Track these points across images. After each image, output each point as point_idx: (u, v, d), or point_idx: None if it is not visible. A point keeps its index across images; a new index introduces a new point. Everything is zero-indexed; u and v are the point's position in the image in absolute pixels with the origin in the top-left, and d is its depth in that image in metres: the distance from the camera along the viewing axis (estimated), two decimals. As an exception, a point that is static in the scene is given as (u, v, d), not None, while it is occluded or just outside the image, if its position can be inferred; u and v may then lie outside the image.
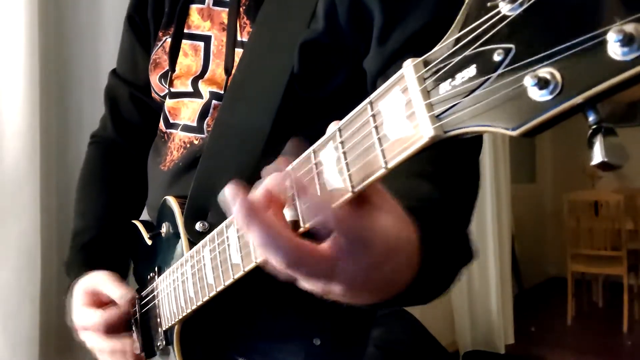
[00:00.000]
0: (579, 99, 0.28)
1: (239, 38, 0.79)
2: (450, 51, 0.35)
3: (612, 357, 3.75)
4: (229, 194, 0.42)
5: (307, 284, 0.45)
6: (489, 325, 3.58)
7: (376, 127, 0.39)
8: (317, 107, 0.74)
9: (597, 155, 0.29)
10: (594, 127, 0.29)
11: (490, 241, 3.54)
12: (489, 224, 3.52)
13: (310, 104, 0.74)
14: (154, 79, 0.91)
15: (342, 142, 0.42)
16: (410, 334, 0.79)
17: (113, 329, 0.84)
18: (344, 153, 0.42)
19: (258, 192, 0.45)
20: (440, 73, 0.35)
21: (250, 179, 0.72)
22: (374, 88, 0.70)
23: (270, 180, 0.46)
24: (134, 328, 0.90)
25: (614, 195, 4.20)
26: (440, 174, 0.60)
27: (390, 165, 0.38)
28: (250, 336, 0.78)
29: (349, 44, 0.71)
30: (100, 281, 0.87)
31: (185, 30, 0.86)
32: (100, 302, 0.87)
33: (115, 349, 0.85)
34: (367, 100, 0.41)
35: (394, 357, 0.75)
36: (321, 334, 0.74)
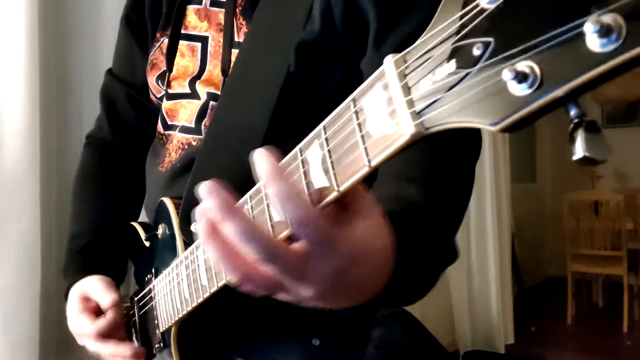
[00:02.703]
0: (558, 93, 0.27)
1: (235, 39, 0.79)
2: (430, 46, 0.34)
3: (612, 357, 3.75)
4: (204, 190, 0.41)
5: (281, 289, 0.44)
6: (489, 325, 3.58)
7: (359, 125, 0.39)
8: (314, 108, 0.73)
9: (579, 150, 0.28)
10: (575, 121, 0.28)
11: (490, 241, 3.54)
12: (489, 224, 3.52)
13: (307, 105, 0.74)
14: (151, 80, 0.91)
15: (327, 140, 0.42)
16: (410, 334, 0.79)
17: (109, 334, 0.84)
18: (329, 151, 0.41)
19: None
20: (420, 69, 0.35)
21: (245, 179, 0.72)
22: None
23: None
24: (132, 330, 0.90)
25: (614, 195, 4.20)
26: (430, 178, 0.60)
27: (374, 163, 0.38)
28: (248, 337, 0.78)
29: (345, 45, 0.71)
30: (91, 287, 0.87)
31: (183, 31, 0.86)
32: (93, 308, 0.86)
33: (114, 354, 0.85)
34: (350, 97, 0.40)
35: (394, 357, 0.75)
36: (320, 335, 0.74)
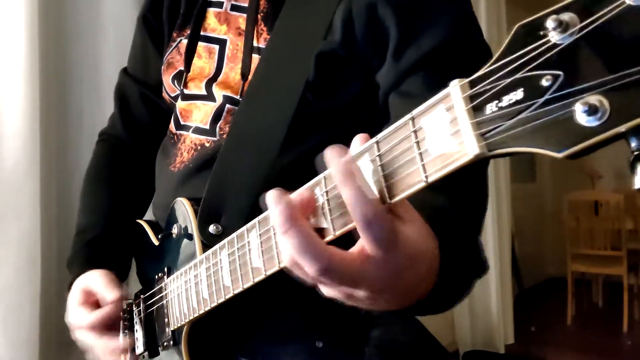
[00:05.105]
0: (623, 128, 0.30)
1: (255, 44, 0.80)
2: (498, 74, 0.36)
3: (612, 357, 3.75)
4: (272, 198, 0.44)
5: (332, 291, 0.47)
6: (489, 325, 3.58)
7: (417, 142, 0.41)
8: (331, 116, 0.76)
9: (639, 180, 0.30)
10: (636, 153, 0.30)
11: (490, 241, 3.53)
12: (489, 224, 3.52)
13: (324, 112, 0.75)
14: (167, 79, 0.92)
15: (379, 156, 0.44)
16: (410, 334, 0.79)
17: (105, 329, 0.85)
18: (382, 166, 0.43)
19: (295, 199, 0.47)
20: (486, 94, 0.37)
21: (264, 183, 0.73)
22: (386, 102, 0.73)
23: (303, 188, 0.49)
24: (137, 327, 0.90)
25: (614, 195, 4.21)
26: (453, 187, 0.61)
27: (431, 179, 0.40)
28: (254, 338, 0.78)
29: (363, 57, 0.72)
30: (94, 281, 0.87)
31: (201, 33, 0.87)
32: (94, 302, 0.87)
33: (108, 347, 0.85)
34: (409, 116, 0.42)
35: (394, 357, 0.75)
36: (323, 337, 0.75)
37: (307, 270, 0.44)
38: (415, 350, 0.78)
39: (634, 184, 0.30)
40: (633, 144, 0.30)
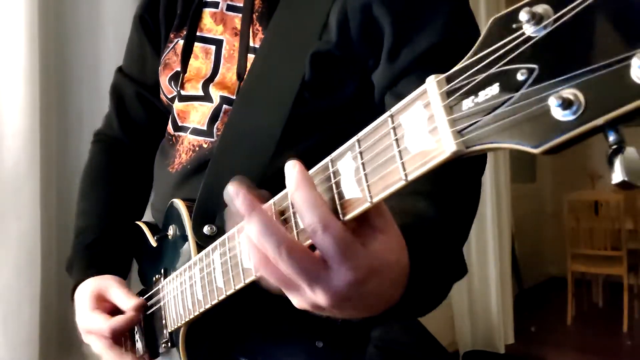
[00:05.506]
0: (600, 121, 0.29)
1: (251, 44, 0.80)
2: (474, 69, 0.35)
3: (612, 357, 3.75)
4: (233, 189, 0.45)
5: (296, 294, 0.47)
6: (489, 325, 3.58)
7: (397, 140, 0.40)
8: (327, 115, 0.75)
9: (618, 174, 0.29)
10: (614, 147, 0.29)
11: (490, 241, 3.53)
12: (489, 224, 3.52)
13: (320, 112, 0.75)
14: (164, 80, 0.91)
15: (361, 153, 0.43)
16: (410, 334, 0.79)
17: (119, 336, 0.84)
18: (363, 164, 0.43)
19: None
20: (463, 90, 0.36)
21: (259, 183, 0.73)
22: (382, 102, 0.73)
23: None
24: (136, 329, 0.90)
25: (614, 195, 4.20)
26: (440, 192, 0.61)
27: (411, 177, 0.39)
28: (254, 338, 0.78)
29: (358, 57, 0.72)
30: (109, 287, 0.86)
31: (198, 33, 0.87)
32: (107, 308, 0.86)
33: (121, 358, 0.84)
34: (388, 113, 0.41)
35: (394, 357, 0.75)
36: (324, 337, 0.74)
37: (270, 253, 0.44)
38: (415, 350, 0.78)
39: (612, 179, 0.29)
40: (611, 138, 0.30)
